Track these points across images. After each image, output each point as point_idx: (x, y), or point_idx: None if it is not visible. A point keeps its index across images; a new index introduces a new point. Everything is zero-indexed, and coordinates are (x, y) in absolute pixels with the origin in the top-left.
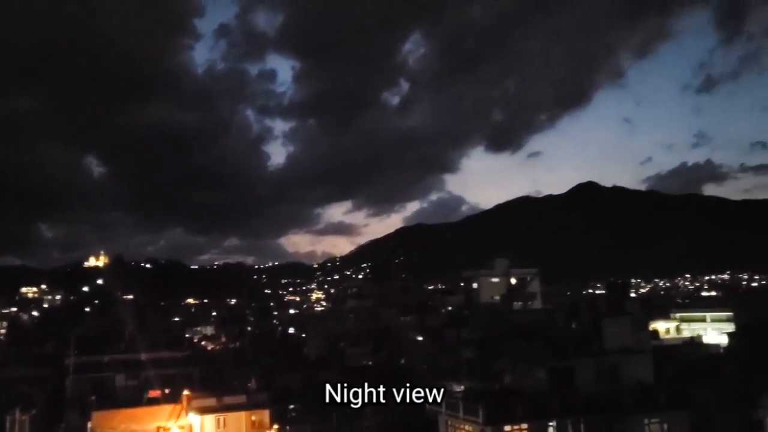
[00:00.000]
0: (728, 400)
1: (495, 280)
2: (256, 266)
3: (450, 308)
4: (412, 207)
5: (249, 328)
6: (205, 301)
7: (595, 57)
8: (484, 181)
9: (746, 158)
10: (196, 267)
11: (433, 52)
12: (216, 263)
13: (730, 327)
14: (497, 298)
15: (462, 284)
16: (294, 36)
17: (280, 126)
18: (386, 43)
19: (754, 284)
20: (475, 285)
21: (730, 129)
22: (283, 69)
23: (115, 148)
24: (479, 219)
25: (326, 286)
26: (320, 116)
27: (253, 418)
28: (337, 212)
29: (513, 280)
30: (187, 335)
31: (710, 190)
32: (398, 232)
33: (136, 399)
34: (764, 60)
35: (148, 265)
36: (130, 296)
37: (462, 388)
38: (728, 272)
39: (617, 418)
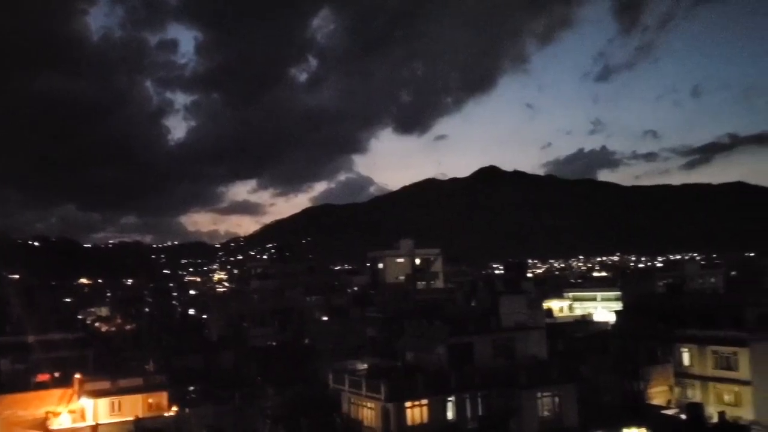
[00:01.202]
0: (613, 373)
1: (400, 260)
2: (155, 245)
3: (356, 288)
4: (320, 187)
5: (147, 310)
6: (100, 281)
7: (500, 42)
8: (392, 162)
9: (638, 146)
10: (90, 245)
11: (343, 29)
12: (111, 242)
13: (618, 305)
14: (402, 277)
15: (368, 264)
16: (197, 5)
17: (181, 99)
18: (294, 17)
19: (641, 265)
20: (380, 265)
21: (624, 117)
22: (186, 39)
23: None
24: (386, 200)
25: (229, 267)
26: (225, 90)
27: (150, 400)
28: (241, 191)
29: (417, 260)
30: (80, 317)
31: (604, 175)
32: (305, 212)
33: (23, 384)
34: (658, 51)
35: (36, 243)
36: (16, 276)
37: (365, 366)
38: (618, 254)
39: (512, 393)
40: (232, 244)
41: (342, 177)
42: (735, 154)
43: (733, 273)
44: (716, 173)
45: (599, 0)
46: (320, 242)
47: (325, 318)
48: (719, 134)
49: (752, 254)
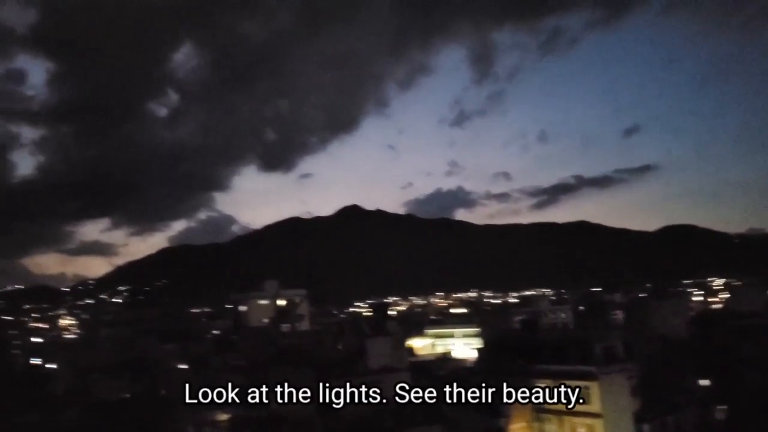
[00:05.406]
0: (474, 410)
1: (264, 302)
2: None
3: (217, 332)
4: (179, 226)
5: None
6: None
7: (363, 85)
8: (256, 200)
9: (492, 186)
10: None
11: (206, 64)
12: None
13: (477, 341)
14: (266, 320)
15: (230, 307)
16: (48, 35)
17: (29, 133)
18: (154, 50)
19: (497, 301)
20: (243, 308)
21: (478, 160)
22: (36, 71)
23: None
24: (249, 239)
25: (78, 312)
26: (76, 124)
27: None
28: (92, 230)
29: (282, 302)
30: None
31: (460, 215)
32: (162, 253)
33: None
34: (508, 100)
35: None
36: None
37: (227, 416)
38: (474, 290)
39: None
40: (81, 288)
41: (202, 215)
42: (579, 195)
43: (581, 308)
44: (562, 213)
45: (455, 50)
46: (178, 285)
47: (182, 366)
48: (564, 176)
49: (598, 289)
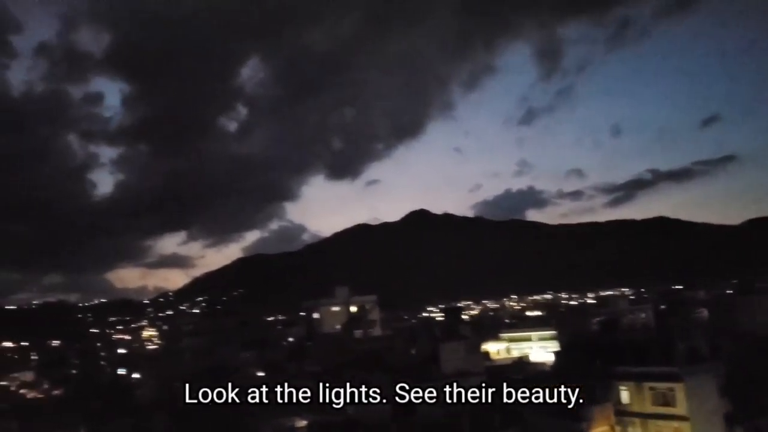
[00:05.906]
0: (554, 414)
1: (336, 308)
2: (81, 304)
3: (291, 340)
4: (252, 236)
5: (74, 372)
6: (24, 344)
7: (427, 89)
8: (325, 208)
9: (564, 185)
10: (13, 307)
11: (272, 77)
12: (35, 302)
13: (554, 344)
14: (338, 327)
15: (303, 314)
16: (122, 57)
17: (107, 153)
18: (222, 66)
19: (573, 303)
20: (316, 315)
21: (549, 158)
22: (111, 92)
23: None
24: (320, 247)
25: (159, 323)
26: (151, 142)
27: None
28: (170, 243)
29: (353, 308)
30: (2, 383)
31: (532, 215)
32: (237, 263)
33: None
34: (577, 95)
35: None
36: None
37: (305, 422)
38: (550, 292)
39: None
40: (162, 300)
41: (274, 225)
42: (656, 190)
43: (661, 307)
44: (639, 209)
45: (520, 47)
46: (253, 294)
47: (260, 373)
48: (639, 171)
49: (679, 287)
